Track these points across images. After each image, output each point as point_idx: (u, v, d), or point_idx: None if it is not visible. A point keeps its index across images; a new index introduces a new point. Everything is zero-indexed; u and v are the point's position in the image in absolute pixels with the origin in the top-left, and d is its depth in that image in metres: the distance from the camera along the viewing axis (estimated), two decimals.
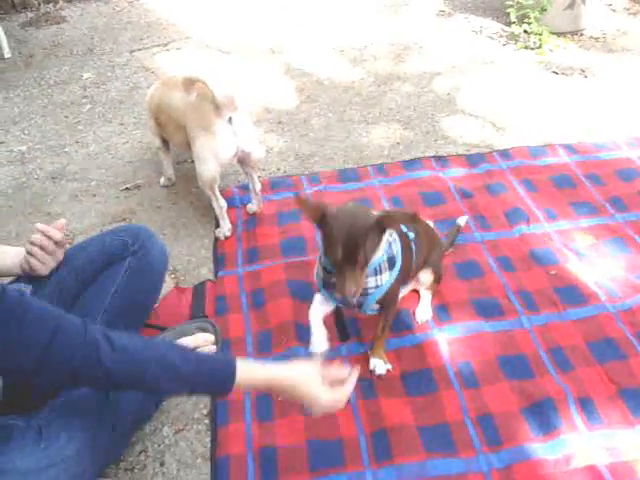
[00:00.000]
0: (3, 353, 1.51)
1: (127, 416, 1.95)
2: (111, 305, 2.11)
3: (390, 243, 2.09)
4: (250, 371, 1.76)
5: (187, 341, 2.28)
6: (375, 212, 1.97)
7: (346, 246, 1.89)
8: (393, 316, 2.27)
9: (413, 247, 2.24)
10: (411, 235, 2.24)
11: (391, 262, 2.09)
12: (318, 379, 1.79)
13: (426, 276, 2.45)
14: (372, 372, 2.23)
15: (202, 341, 2.31)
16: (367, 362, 2.26)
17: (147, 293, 2.28)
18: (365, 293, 2.08)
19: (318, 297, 2.21)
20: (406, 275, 2.24)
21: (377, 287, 2.09)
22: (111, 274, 2.17)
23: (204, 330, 2.36)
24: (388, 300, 2.16)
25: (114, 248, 2.21)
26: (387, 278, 2.10)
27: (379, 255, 2.03)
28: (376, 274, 2.06)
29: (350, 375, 1.86)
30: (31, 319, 1.55)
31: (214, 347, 2.33)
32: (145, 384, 1.70)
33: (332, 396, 1.80)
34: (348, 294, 1.92)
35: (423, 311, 2.46)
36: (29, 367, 1.54)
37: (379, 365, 2.24)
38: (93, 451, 1.76)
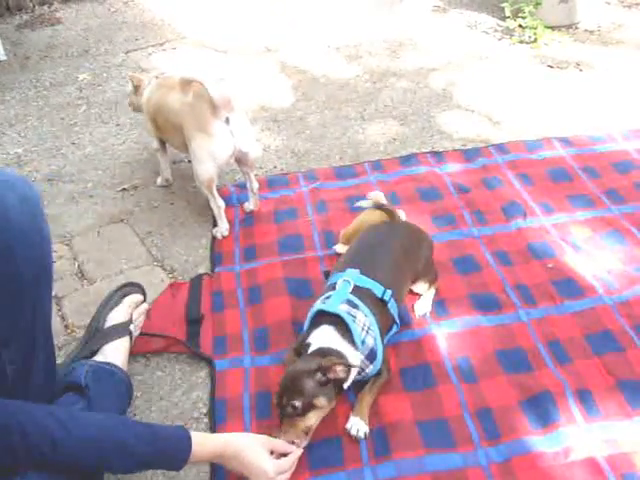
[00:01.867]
0: None
1: None
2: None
3: (364, 339, 2.08)
4: (203, 444, 1.80)
5: (119, 314, 2.30)
6: (321, 360, 1.97)
7: (281, 395, 1.95)
8: (386, 380, 2.18)
9: (390, 306, 2.23)
10: (388, 294, 2.21)
11: (371, 356, 2.10)
12: (263, 449, 1.86)
13: (420, 286, 2.48)
14: (347, 431, 2.03)
15: (132, 304, 2.33)
16: None
17: (35, 259, 1.81)
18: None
19: None
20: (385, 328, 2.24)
21: (364, 377, 2.13)
22: None
23: (128, 294, 2.37)
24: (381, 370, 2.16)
25: None
26: (371, 369, 2.12)
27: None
28: (359, 373, 2.10)
29: (295, 450, 1.93)
30: None
31: (145, 305, 2.36)
32: (102, 466, 1.76)
33: (277, 467, 1.85)
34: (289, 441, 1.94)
35: (423, 304, 2.47)
36: None
37: (358, 425, 2.03)
38: None
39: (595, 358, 2.23)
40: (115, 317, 2.29)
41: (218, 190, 2.85)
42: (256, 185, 2.96)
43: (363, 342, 2.09)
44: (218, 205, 2.85)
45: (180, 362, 2.37)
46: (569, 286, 2.52)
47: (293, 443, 1.93)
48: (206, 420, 2.15)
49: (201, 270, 2.75)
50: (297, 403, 1.91)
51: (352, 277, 2.20)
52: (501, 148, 3.35)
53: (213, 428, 2.10)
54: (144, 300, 2.40)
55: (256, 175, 3.03)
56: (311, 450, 1.99)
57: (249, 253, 2.81)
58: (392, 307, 2.24)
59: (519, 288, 2.52)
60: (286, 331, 2.40)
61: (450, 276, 2.61)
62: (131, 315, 2.32)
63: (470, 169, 3.21)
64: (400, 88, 4.04)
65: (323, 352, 2.02)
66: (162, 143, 3.14)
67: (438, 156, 3.32)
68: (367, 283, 2.20)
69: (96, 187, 3.31)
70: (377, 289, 2.20)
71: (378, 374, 2.15)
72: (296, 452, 1.93)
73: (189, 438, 1.77)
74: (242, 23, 5.07)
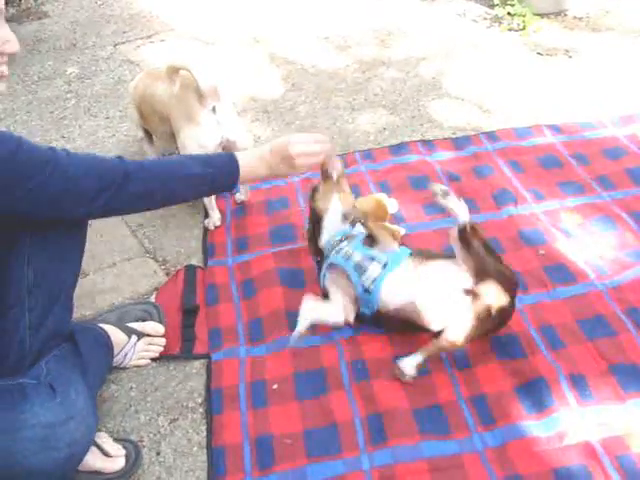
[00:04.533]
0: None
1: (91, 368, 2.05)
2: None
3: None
4: (248, 161, 2.08)
5: (137, 325, 2.37)
6: None
7: None
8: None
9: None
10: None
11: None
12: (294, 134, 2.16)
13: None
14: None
15: (151, 330, 2.38)
16: (358, 344, 2.30)
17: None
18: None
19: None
20: None
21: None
22: None
23: (149, 314, 2.44)
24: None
25: None
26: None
27: None
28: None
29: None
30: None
31: (163, 340, 2.38)
32: (168, 191, 2.00)
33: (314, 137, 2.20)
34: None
35: (409, 362, 2.18)
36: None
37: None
38: (93, 402, 1.92)
39: (588, 343, 2.24)
40: (134, 325, 2.39)
41: None
42: None
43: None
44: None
45: None
46: (561, 272, 2.53)
47: None
48: (202, 410, 2.16)
49: (194, 261, 2.75)
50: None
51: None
52: (491, 136, 3.35)
53: (209, 418, 2.12)
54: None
55: None
56: (308, 437, 2.02)
57: (241, 244, 2.81)
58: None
59: None
60: (280, 321, 2.40)
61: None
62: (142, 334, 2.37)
63: (461, 157, 3.21)
64: (389, 77, 4.04)
65: None
66: (147, 133, 3.14)
67: (428, 145, 3.32)
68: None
69: None
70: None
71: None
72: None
73: (236, 159, 2.06)
74: (230, 14, 5.05)
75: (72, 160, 1.79)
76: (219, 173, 2.06)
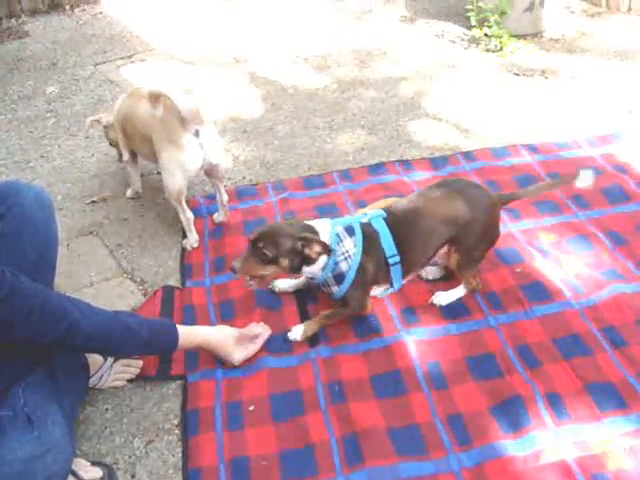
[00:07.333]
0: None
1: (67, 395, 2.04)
2: None
3: (337, 261, 2.28)
4: (186, 339, 2.19)
5: None
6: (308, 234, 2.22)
7: (260, 237, 2.21)
8: (351, 313, 2.43)
9: (393, 269, 2.36)
10: (394, 259, 2.33)
11: (339, 278, 2.31)
12: (233, 342, 2.29)
13: (454, 264, 2.46)
14: (287, 336, 2.39)
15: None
16: (335, 365, 2.29)
17: (39, 246, 2.16)
18: (329, 292, 2.38)
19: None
20: (374, 277, 2.37)
21: (333, 294, 2.38)
22: None
23: None
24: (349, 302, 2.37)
25: None
26: (336, 290, 2.35)
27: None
28: (324, 286, 2.38)
29: (262, 332, 2.36)
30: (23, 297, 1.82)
31: (140, 363, 2.38)
32: (110, 347, 2.08)
33: (244, 357, 2.31)
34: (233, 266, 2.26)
35: (442, 296, 2.52)
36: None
37: (297, 331, 2.39)
38: (69, 432, 1.89)
39: (564, 362, 2.26)
40: None
41: (187, 201, 2.85)
42: (225, 197, 2.96)
43: (336, 263, 2.28)
44: (187, 217, 2.84)
45: None
46: (537, 291, 2.55)
47: (248, 280, 2.31)
48: (177, 431, 2.14)
49: (172, 281, 2.74)
50: (268, 253, 2.19)
51: (372, 215, 2.36)
52: (468, 156, 3.38)
53: (185, 440, 2.10)
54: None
55: (225, 186, 3.03)
56: (284, 459, 2.01)
57: (219, 264, 2.80)
58: (394, 270, 2.37)
59: (487, 294, 2.54)
60: None
61: (418, 283, 2.62)
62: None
63: (438, 177, 3.21)
64: (368, 98, 4.06)
65: (309, 227, 2.26)
66: (133, 154, 3.13)
67: (406, 165, 3.34)
68: (382, 230, 2.33)
69: (65, 200, 3.29)
70: (388, 247, 2.32)
71: (346, 305, 2.37)
72: (262, 337, 2.35)
73: (176, 332, 2.16)
74: (210, 34, 5.08)
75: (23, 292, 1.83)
76: (157, 346, 2.18)
